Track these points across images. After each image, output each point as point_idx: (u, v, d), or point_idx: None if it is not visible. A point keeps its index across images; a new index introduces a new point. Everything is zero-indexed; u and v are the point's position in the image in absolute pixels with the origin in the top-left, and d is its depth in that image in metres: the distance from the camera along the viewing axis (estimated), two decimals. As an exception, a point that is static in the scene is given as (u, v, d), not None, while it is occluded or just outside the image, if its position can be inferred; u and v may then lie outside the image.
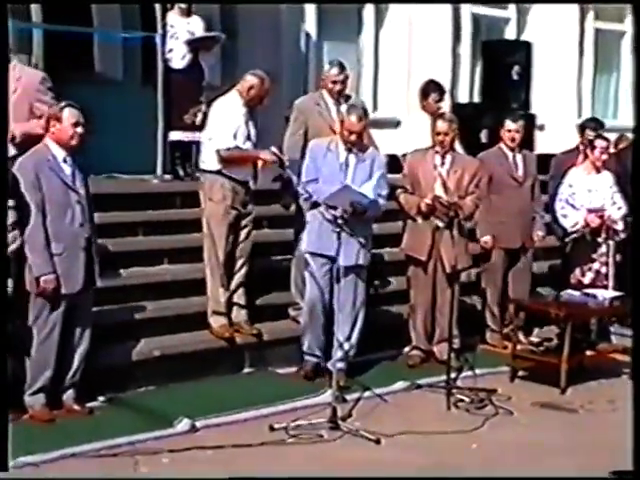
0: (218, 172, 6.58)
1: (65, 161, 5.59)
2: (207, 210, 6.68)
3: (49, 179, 5.51)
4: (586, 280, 7.40)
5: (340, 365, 6.25)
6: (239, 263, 6.69)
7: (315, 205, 6.37)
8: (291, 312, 7.08)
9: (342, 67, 7.00)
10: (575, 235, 7.41)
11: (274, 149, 6.45)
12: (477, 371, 6.65)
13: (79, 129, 5.53)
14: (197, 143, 8.18)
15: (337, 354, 6.28)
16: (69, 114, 5.53)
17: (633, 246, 6.96)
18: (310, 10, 10.37)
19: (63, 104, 5.59)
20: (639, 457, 4.63)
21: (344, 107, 6.92)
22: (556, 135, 11.09)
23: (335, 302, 6.28)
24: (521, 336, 7.33)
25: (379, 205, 6.38)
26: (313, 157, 6.38)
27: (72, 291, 5.54)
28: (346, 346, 6.37)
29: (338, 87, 6.95)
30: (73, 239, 5.55)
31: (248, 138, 6.63)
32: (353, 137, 6.29)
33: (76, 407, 5.72)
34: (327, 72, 7.04)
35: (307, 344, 6.56)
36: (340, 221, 5.99)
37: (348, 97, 7.12)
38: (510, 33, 12.21)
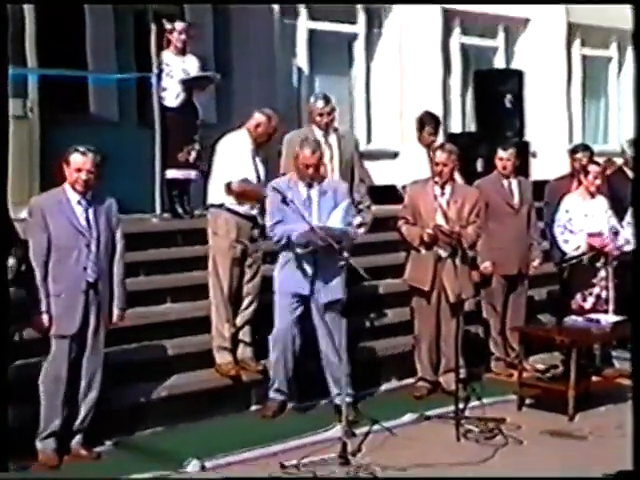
0: (221, 206, 6.62)
1: (80, 204, 5.61)
2: (212, 244, 6.71)
3: (57, 220, 5.54)
4: (587, 305, 7.41)
5: (347, 399, 6.23)
6: (247, 301, 6.69)
7: (286, 246, 6.31)
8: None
9: (327, 100, 7.04)
10: (575, 261, 7.42)
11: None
12: (484, 400, 6.64)
13: (83, 175, 5.54)
14: (193, 181, 8.26)
15: (335, 390, 6.30)
16: (74, 159, 5.57)
17: (634, 264, 6.97)
18: (301, 44, 10.47)
19: (73, 148, 5.62)
20: (639, 457, 4.60)
21: (333, 138, 6.97)
22: (548, 162, 11.16)
23: (320, 339, 6.30)
24: (526, 364, 7.31)
25: (350, 234, 6.36)
26: (275, 198, 6.27)
27: (67, 333, 5.51)
28: (344, 380, 6.34)
29: (325, 119, 6.98)
30: (73, 282, 5.54)
31: (257, 175, 6.66)
32: (310, 170, 6.26)
33: (83, 452, 5.68)
34: (312, 105, 7.08)
35: (276, 382, 6.44)
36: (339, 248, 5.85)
37: (336, 129, 7.14)
38: (499, 62, 12.32)
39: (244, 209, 6.64)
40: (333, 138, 7.00)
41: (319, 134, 6.99)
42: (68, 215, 5.57)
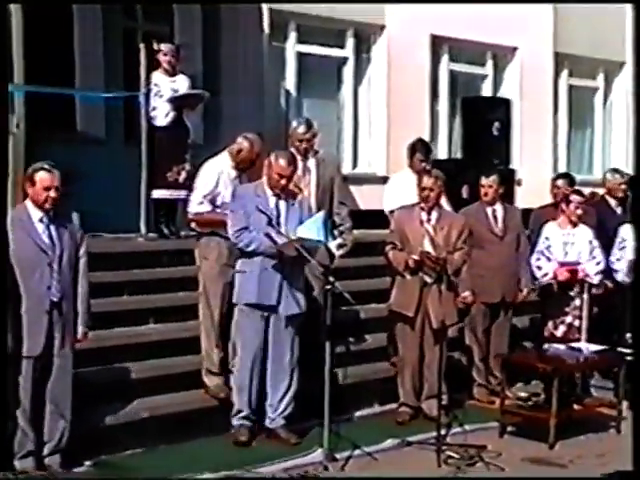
0: (212, 232, 6.57)
1: (41, 221, 5.48)
2: (202, 269, 6.65)
3: (20, 238, 5.40)
4: (558, 333, 7.43)
5: (282, 422, 6.27)
6: (234, 325, 6.65)
7: (252, 253, 6.22)
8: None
9: (309, 125, 7.01)
10: (544, 282, 7.43)
11: None
12: (466, 427, 6.65)
13: (52, 193, 5.42)
14: (182, 201, 8.23)
15: (270, 412, 6.27)
16: (41, 178, 5.43)
17: (634, 286, 7.02)
18: (290, 67, 10.52)
19: (38, 166, 5.49)
20: (639, 457, 4.61)
21: (311, 162, 6.97)
22: (532, 190, 11.22)
23: (270, 353, 6.20)
24: (508, 391, 7.31)
25: (325, 246, 6.38)
26: (242, 204, 6.25)
27: (32, 354, 5.40)
28: (286, 400, 6.30)
29: (305, 145, 6.95)
30: (37, 301, 5.41)
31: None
32: (284, 181, 6.22)
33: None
34: (294, 130, 7.03)
35: (243, 407, 6.29)
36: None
37: (316, 152, 7.14)
38: (486, 90, 12.40)
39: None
40: (312, 162, 7.00)
41: (297, 158, 6.99)
42: (30, 233, 5.43)
